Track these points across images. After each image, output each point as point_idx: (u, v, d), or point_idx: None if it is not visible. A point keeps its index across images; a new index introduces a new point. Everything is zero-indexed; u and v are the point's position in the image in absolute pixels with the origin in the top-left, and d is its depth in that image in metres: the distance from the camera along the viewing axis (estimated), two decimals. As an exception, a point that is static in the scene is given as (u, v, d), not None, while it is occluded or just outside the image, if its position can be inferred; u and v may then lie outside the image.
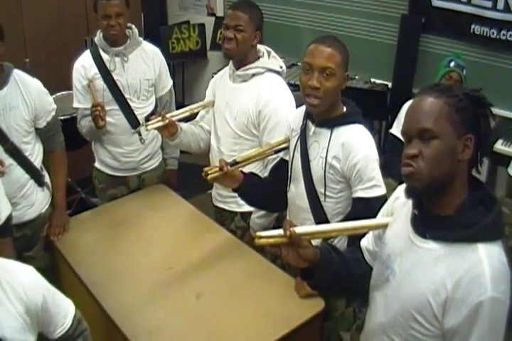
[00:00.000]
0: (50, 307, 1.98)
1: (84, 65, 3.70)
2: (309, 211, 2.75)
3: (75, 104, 3.78)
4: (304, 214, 2.78)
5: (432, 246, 1.77)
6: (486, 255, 1.68)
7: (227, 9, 3.27)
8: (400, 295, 1.85)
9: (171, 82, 4.00)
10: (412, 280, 1.81)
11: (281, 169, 2.92)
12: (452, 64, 4.02)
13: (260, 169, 3.21)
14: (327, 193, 2.69)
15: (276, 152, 2.93)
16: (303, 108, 2.77)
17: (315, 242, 2.10)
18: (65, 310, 2.08)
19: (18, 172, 3.19)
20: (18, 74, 3.20)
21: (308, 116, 2.75)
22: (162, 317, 2.65)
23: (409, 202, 1.89)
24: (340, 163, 2.61)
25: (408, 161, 1.74)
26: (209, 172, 2.70)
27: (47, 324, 2.01)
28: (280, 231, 1.94)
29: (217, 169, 2.69)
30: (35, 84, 3.27)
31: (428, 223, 1.80)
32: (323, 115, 2.65)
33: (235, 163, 2.78)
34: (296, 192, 2.82)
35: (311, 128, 2.71)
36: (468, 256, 1.69)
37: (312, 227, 2.14)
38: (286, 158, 2.92)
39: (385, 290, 1.94)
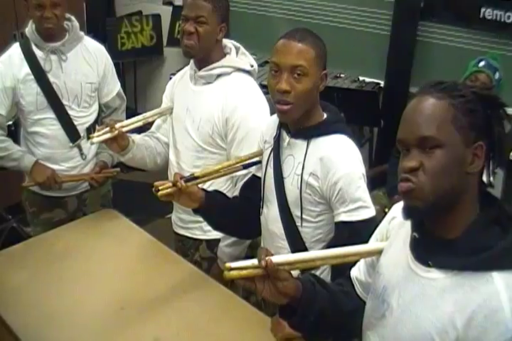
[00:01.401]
0: None
1: (13, 63, 3.67)
2: (284, 238, 2.75)
3: None
4: (279, 242, 2.78)
5: (436, 275, 1.71)
6: (505, 285, 1.60)
7: (187, -3, 3.26)
8: (399, 335, 1.78)
9: (118, 86, 4.01)
10: (413, 317, 1.74)
11: (254, 187, 2.91)
12: (482, 64, 4.04)
13: (229, 188, 3.22)
14: (304, 217, 2.68)
15: (246, 167, 2.94)
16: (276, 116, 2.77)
17: (295, 273, 2.09)
18: None
19: None
20: None
21: (282, 124, 2.74)
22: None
23: (408, 223, 1.85)
24: (318, 182, 2.60)
25: (406, 176, 1.69)
26: (160, 187, 2.69)
27: None
28: (254, 261, 1.90)
29: (170, 184, 2.68)
30: None
31: (431, 248, 1.74)
32: (298, 123, 2.64)
33: (193, 178, 2.77)
34: (269, 215, 2.82)
35: (286, 138, 2.71)
36: (482, 288, 1.62)
37: (292, 256, 2.10)
38: (259, 174, 2.91)
39: (380, 330, 1.89)
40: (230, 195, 3.06)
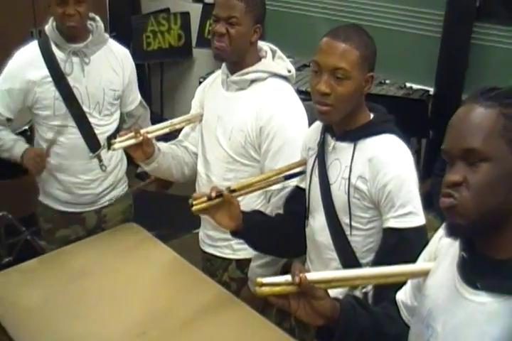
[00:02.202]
0: None
1: (29, 62, 3.68)
2: (332, 248, 2.75)
3: None
4: (327, 253, 2.78)
5: (484, 299, 1.66)
6: None
7: (218, -6, 3.26)
8: None
9: (139, 95, 4.03)
10: None
11: (298, 199, 2.93)
12: None
13: (262, 204, 3.23)
14: (353, 224, 2.67)
15: (287, 178, 2.95)
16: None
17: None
18: None
19: None
20: None
21: (326, 128, 2.76)
22: None
23: (457, 243, 1.81)
24: (367, 184, 2.59)
25: (449, 191, 1.66)
26: (194, 202, 2.71)
27: None
28: (288, 278, 1.90)
29: (205, 199, 2.69)
30: None
31: (479, 269, 1.71)
32: (343, 126, 2.66)
33: (230, 192, 2.77)
34: (316, 225, 2.83)
35: (331, 143, 2.72)
36: None
37: (329, 273, 2.10)
38: (302, 184, 2.93)
39: None
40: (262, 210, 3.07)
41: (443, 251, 1.94)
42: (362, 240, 2.69)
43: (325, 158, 2.75)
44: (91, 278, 3.33)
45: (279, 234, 2.95)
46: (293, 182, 3.00)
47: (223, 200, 2.70)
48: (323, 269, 2.75)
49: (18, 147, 3.74)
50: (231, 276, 3.42)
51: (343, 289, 2.51)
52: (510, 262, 1.66)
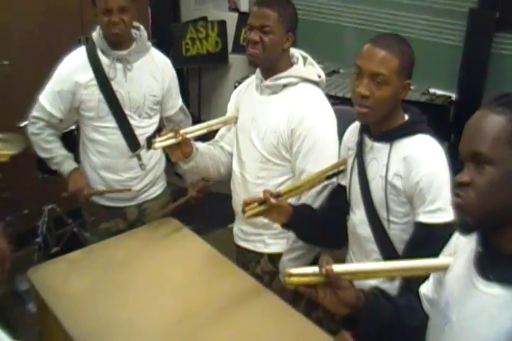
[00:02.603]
0: None
1: (77, 66, 3.71)
2: (373, 241, 2.80)
3: (45, 103, 3.76)
4: (368, 245, 2.83)
5: (496, 291, 1.68)
6: None
7: (253, 4, 3.26)
8: None
9: (180, 101, 4.04)
10: (472, 333, 1.73)
11: (339, 195, 2.99)
12: None
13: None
14: (391, 218, 2.72)
15: (329, 178, 3.00)
16: (358, 122, 2.85)
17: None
18: None
19: None
20: None
21: (364, 129, 2.79)
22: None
23: (474, 240, 1.83)
24: (402, 181, 2.63)
25: (457, 191, 1.71)
26: (247, 208, 2.79)
27: None
28: (316, 269, 1.91)
29: (256, 204, 2.77)
30: None
31: (493, 263, 1.73)
32: (380, 126, 2.69)
33: (278, 195, 2.83)
34: (356, 219, 2.87)
35: (368, 143, 2.77)
36: None
37: (354, 266, 2.15)
38: (343, 182, 2.98)
39: None
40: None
41: (461, 247, 1.95)
42: (399, 233, 2.73)
43: (363, 157, 2.80)
44: (132, 269, 3.34)
45: (324, 226, 3.01)
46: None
47: (272, 205, 2.77)
48: (365, 260, 2.83)
49: (67, 165, 3.84)
50: (263, 269, 3.42)
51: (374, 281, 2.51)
52: None
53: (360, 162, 2.81)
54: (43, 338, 3.38)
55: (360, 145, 2.82)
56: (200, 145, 3.35)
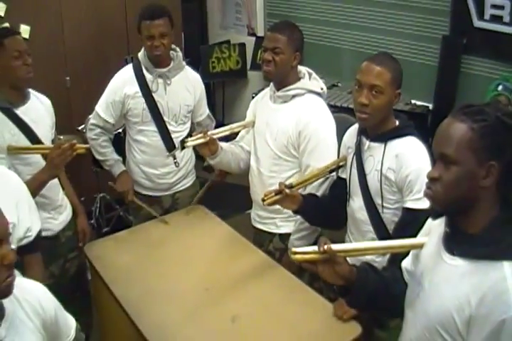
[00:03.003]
0: (59, 319, 1.97)
1: (125, 81, 3.71)
2: (369, 223, 2.81)
3: (100, 112, 3.74)
4: (365, 227, 2.84)
5: (458, 262, 1.75)
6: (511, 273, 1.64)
7: (267, 30, 3.27)
8: (427, 310, 1.84)
9: (207, 109, 4.05)
10: (439, 296, 1.80)
11: (339, 186, 3.01)
12: (500, 87, 3.94)
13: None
14: (384, 204, 2.73)
15: (331, 171, 3.03)
16: (356, 126, 2.87)
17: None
18: (69, 322, 2.08)
19: None
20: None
21: (362, 132, 2.81)
22: (197, 339, 2.61)
23: (443, 222, 1.88)
24: (394, 174, 2.65)
25: (428, 184, 1.78)
26: (266, 197, 2.83)
27: (56, 336, 1.99)
28: (315, 248, 1.97)
29: (273, 194, 2.82)
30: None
31: (457, 240, 1.79)
32: (376, 129, 2.70)
33: (291, 187, 2.87)
34: (355, 205, 2.88)
35: (366, 143, 2.77)
36: (493, 274, 1.66)
37: (348, 245, 2.16)
38: (343, 175, 3.00)
39: (414, 307, 1.94)
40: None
41: (433, 229, 1.99)
42: (390, 216, 2.74)
43: (361, 154, 2.80)
44: (167, 246, 3.34)
45: (327, 211, 3.02)
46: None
47: (287, 195, 2.82)
48: (361, 240, 2.86)
49: (117, 167, 3.82)
50: (275, 247, 3.40)
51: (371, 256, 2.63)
52: (478, 235, 1.73)
53: (359, 158, 2.81)
54: (96, 300, 3.39)
55: (359, 145, 2.82)
56: (224, 144, 3.36)
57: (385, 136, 2.69)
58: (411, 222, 2.42)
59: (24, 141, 3.09)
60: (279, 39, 3.07)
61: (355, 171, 2.84)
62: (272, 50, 3.08)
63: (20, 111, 3.09)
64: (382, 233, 2.75)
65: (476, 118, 1.69)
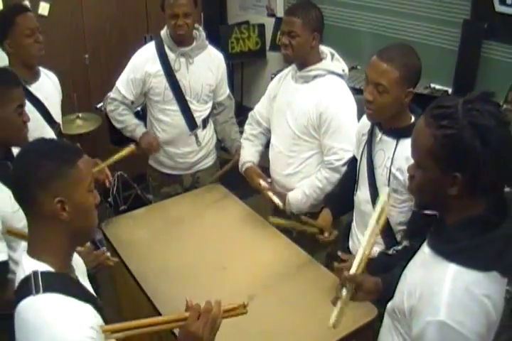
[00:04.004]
0: None
1: (148, 59, 3.69)
2: None
3: (121, 88, 3.74)
4: (369, 220, 2.72)
5: (426, 251, 1.76)
6: (452, 278, 1.60)
7: (284, 13, 3.24)
8: (401, 287, 1.85)
9: (228, 89, 4.02)
10: (404, 278, 1.85)
11: (352, 166, 2.96)
12: None
13: (318, 169, 3.25)
14: (390, 202, 2.62)
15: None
16: None
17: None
18: None
19: None
20: None
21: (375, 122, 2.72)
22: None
23: None
24: (403, 176, 2.52)
25: (408, 181, 1.81)
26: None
27: None
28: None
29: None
30: None
31: (434, 229, 1.79)
32: (389, 123, 2.61)
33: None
34: (361, 197, 2.83)
35: (378, 134, 2.68)
36: (437, 273, 1.65)
37: (356, 260, 2.11)
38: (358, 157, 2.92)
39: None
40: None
41: None
42: (396, 215, 2.67)
43: (372, 146, 2.73)
44: (185, 224, 3.34)
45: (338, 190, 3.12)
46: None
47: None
48: (365, 230, 2.69)
49: (139, 130, 3.82)
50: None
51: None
52: (447, 230, 1.70)
53: (369, 149, 2.73)
54: (114, 276, 3.41)
55: (371, 135, 2.74)
56: (254, 160, 3.53)
57: (398, 132, 2.58)
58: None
59: (38, 118, 3.08)
60: (294, 22, 3.04)
61: (365, 161, 2.76)
62: (288, 34, 3.07)
63: (33, 88, 3.10)
64: (385, 230, 2.57)
65: (441, 124, 1.57)
